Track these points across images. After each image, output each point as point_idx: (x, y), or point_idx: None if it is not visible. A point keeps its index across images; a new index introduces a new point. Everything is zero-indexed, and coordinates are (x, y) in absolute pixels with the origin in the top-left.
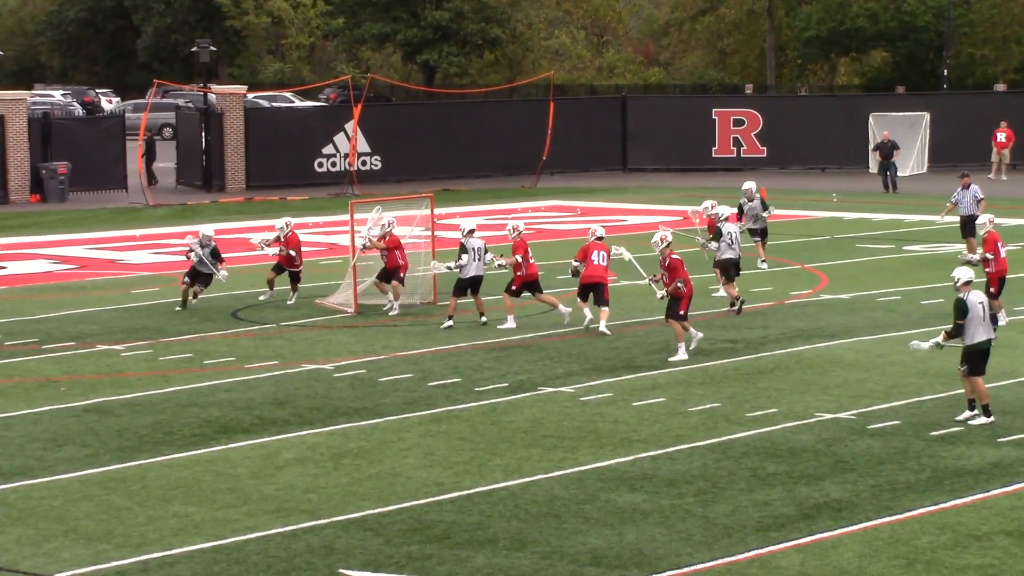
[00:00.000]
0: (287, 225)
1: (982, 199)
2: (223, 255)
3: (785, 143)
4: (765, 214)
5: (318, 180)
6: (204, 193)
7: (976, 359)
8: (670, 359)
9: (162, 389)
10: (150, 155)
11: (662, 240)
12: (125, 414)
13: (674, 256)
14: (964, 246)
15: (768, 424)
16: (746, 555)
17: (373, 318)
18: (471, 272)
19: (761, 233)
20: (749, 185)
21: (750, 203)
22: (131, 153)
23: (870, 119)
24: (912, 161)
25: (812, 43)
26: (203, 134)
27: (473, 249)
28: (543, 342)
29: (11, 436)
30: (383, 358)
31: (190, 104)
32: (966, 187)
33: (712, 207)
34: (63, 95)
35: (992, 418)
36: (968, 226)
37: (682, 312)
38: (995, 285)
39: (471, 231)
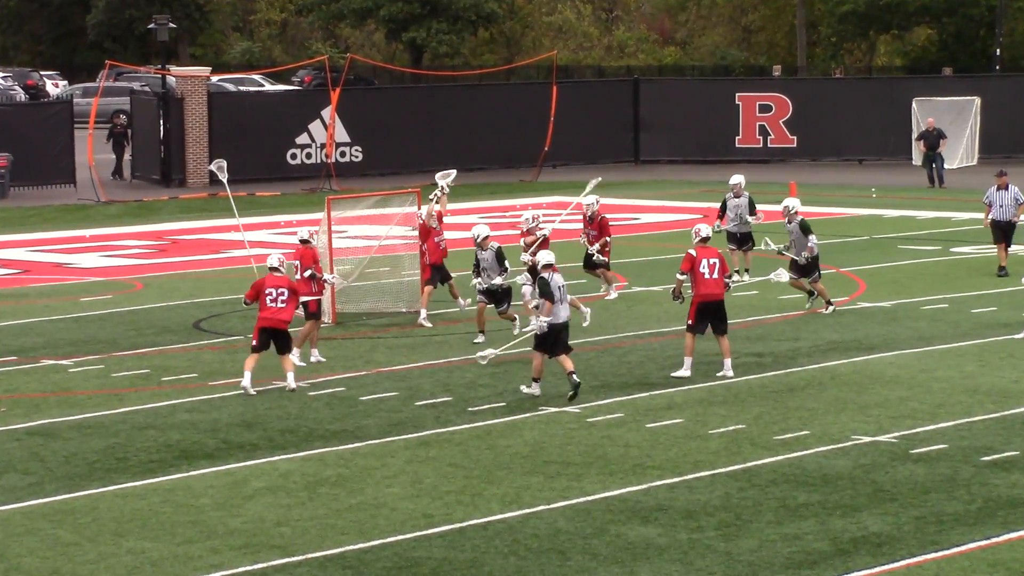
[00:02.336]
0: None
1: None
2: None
3: (818, 132)
4: (751, 218)
5: (291, 174)
6: (162, 188)
7: None
8: (673, 375)
9: (115, 409)
10: (119, 146)
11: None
12: (73, 437)
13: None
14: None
15: (799, 448)
16: None
17: (353, 329)
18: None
19: (741, 239)
20: (738, 179)
21: (736, 199)
22: (79, 143)
23: (913, 105)
24: (961, 152)
25: (848, 19)
26: (161, 122)
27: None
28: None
29: None
30: (364, 374)
31: (147, 88)
32: (1003, 187)
33: (534, 219)
34: (3, 78)
35: None
36: (1006, 232)
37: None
38: None
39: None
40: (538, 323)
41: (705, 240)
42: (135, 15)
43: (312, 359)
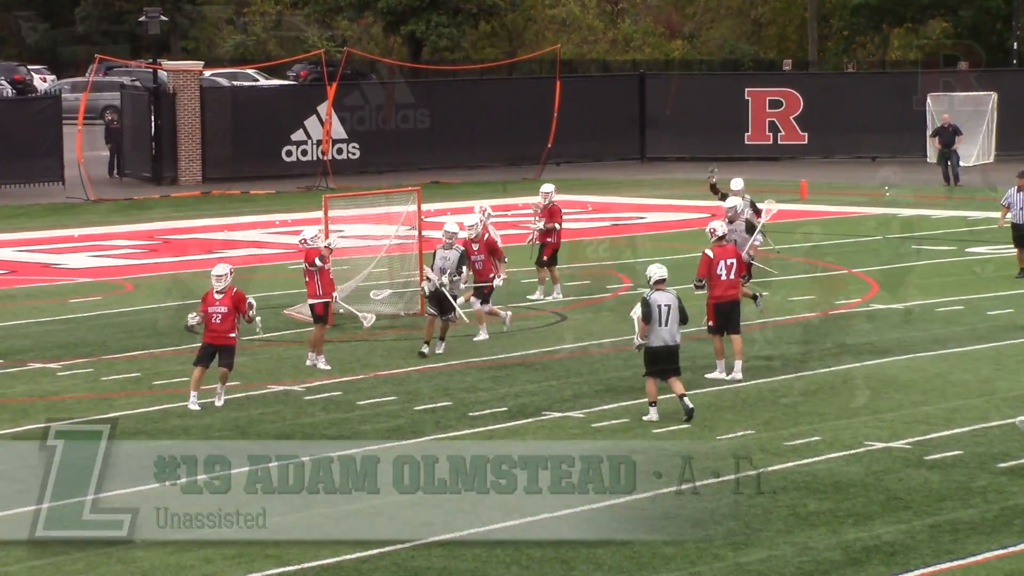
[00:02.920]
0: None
1: None
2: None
3: (829, 128)
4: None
5: (286, 171)
6: (153, 186)
7: None
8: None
9: (105, 414)
10: (118, 143)
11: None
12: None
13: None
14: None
15: (810, 454)
16: None
17: (350, 331)
18: None
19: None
20: (738, 184)
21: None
22: (68, 140)
23: (928, 100)
24: (977, 149)
25: (861, 11)
26: (152, 118)
27: None
28: (548, 359)
29: None
30: (362, 378)
31: (137, 83)
32: (1023, 189)
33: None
34: None
35: None
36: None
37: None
38: None
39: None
40: (635, 341)
41: (721, 239)
42: (125, 8)
43: (308, 362)
